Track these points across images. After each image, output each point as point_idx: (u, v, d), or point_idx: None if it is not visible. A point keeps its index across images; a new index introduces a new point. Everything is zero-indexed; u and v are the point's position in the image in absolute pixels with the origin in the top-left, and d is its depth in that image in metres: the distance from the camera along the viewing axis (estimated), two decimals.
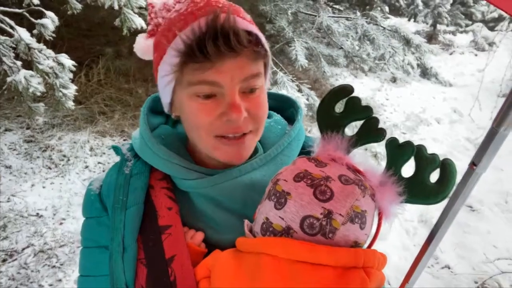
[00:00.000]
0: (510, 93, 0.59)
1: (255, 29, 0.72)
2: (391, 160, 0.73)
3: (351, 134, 0.77)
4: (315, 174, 0.68)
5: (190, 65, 0.69)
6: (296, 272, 0.62)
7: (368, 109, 0.75)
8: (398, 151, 0.72)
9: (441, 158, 0.71)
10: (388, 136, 0.74)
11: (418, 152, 0.72)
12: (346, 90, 0.75)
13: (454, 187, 0.70)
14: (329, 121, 0.77)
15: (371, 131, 0.74)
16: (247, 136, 0.76)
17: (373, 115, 0.75)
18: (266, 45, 0.76)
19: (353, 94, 0.76)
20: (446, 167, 0.70)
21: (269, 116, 0.95)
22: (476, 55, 9.08)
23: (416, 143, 0.72)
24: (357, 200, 0.65)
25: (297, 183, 0.67)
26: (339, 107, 0.77)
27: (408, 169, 0.73)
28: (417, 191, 0.72)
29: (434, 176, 0.71)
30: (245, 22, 0.72)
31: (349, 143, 0.74)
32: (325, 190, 0.65)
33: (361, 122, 0.77)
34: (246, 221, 0.75)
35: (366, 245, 0.71)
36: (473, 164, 0.65)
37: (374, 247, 0.71)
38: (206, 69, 0.68)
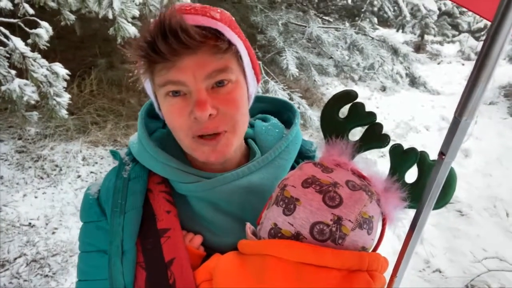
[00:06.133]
0: (467, 83, 0.60)
1: (214, 23, 0.72)
2: (395, 166, 0.74)
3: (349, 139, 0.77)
4: (323, 180, 0.68)
5: (156, 67, 0.71)
6: (302, 274, 0.62)
7: (371, 115, 0.75)
8: (403, 157, 0.73)
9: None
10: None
11: (421, 158, 0.73)
12: (349, 95, 0.75)
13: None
14: (333, 126, 0.77)
15: (375, 136, 0.75)
16: (221, 135, 0.76)
17: (377, 121, 0.75)
18: (234, 38, 0.75)
19: (357, 100, 0.76)
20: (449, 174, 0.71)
21: (266, 120, 0.96)
22: (463, 64, 9.27)
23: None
24: (365, 206, 0.66)
25: (305, 189, 0.67)
26: (343, 113, 0.77)
27: (409, 174, 0.74)
28: (420, 196, 0.73)
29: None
30: (202, 18, 0.72)
31: (353, 148, 0.75)
32: (334, 196, 0.65)
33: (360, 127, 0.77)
34: (248, 224, 0.75)
35: (371, 250, 0.71)
36: (442, 154, 0.68)
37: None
38: (169, 69, 0.70)
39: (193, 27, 0.67)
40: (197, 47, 0.68)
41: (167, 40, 0.66)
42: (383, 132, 0.75)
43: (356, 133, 0.76)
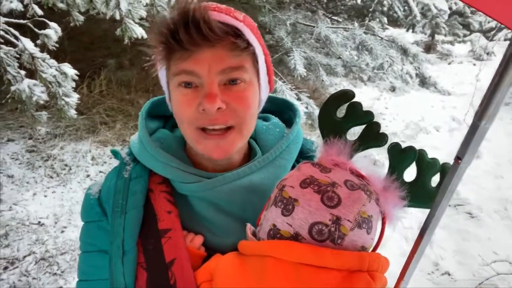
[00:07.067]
0: (489, 88, 0.60)
1: (236, 23, 0.73)
2: (393, 165, 0.74)
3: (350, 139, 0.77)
4: (321, 180, 0.68)
5: (173, 56, 0.72)
6: (302, 274, 0.62)
7: (369, 114, 0.75)
8: (401, 156, 0.73)
9: (440, 163, 0.73)
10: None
11: (420, 156, 0.73)
12: (347, 95, 0.75)
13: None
14: (330, 126, 0.77)
15: (373, 136, 0.74)
16: (228, 131, 0.76)
17: (375, 120, 0.75)
18: (254, 40, 0.76)
19: (354, 99, 0.76)
20: (446, 171, 0.71)
21: (267, 119, 0.95)
22: (474, 64, 9.13)
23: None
24: (364, 205, 0.66)
25: (304, 189, 0.67)
26: (340, 112, 0.77)
27: (408, 173, 0.74)
28: (419, 195, 0.73)
29: (435, 180, 0.73)
30: (225, 16, 0.73)
31: (351, 148, 0.75)
32: (332, 196, 0.65)
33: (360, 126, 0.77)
34: (248, 225, 0.75)
35: (371, 249, 0.71)
36: (458, 158, 0.67)
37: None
38: (185, 58, 0.71)
39: (215, 21, 0.68)
40: (216, 41, 0.69)
41: (188, 30, 0.67)
42: (380, 131, 0.75)
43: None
